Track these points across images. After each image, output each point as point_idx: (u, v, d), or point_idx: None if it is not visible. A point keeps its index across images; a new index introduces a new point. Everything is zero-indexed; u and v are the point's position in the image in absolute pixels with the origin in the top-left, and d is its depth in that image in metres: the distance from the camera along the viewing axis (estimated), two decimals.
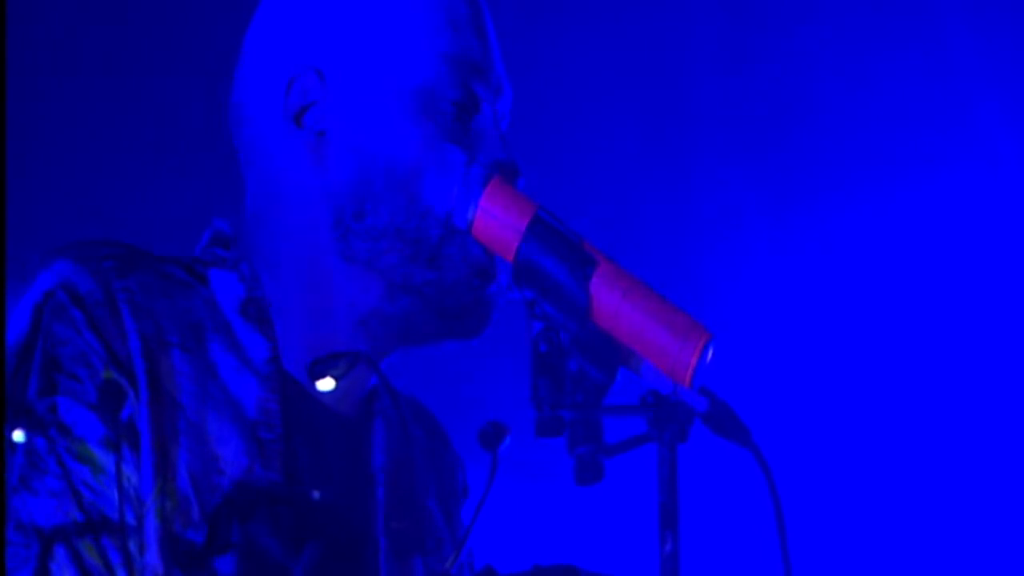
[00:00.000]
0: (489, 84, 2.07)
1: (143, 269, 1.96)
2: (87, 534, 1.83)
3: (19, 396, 1.87)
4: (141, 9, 3.88)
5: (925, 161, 4.24)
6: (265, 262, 2.06)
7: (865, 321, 4.34)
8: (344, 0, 2.07)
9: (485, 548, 2.19)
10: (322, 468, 2.02)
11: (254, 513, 1.91)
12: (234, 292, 2.02)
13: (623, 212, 4.22)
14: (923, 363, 4.34)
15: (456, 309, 2.03)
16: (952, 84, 4.19)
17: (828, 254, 4.31)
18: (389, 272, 2.02)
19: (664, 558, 1.64)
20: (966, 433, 4.35)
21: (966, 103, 4.19)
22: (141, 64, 3.88)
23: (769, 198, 4.29)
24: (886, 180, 4.27)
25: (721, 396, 1.78)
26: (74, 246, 1.96)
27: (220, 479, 1.91)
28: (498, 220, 1.90)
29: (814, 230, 4.30)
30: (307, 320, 2.04)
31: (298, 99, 2.05)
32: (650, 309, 1.78)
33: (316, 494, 1.98)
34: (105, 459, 1.86)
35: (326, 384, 1.97)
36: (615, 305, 1.78)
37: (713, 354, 1.77)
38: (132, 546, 1.84)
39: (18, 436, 1.84)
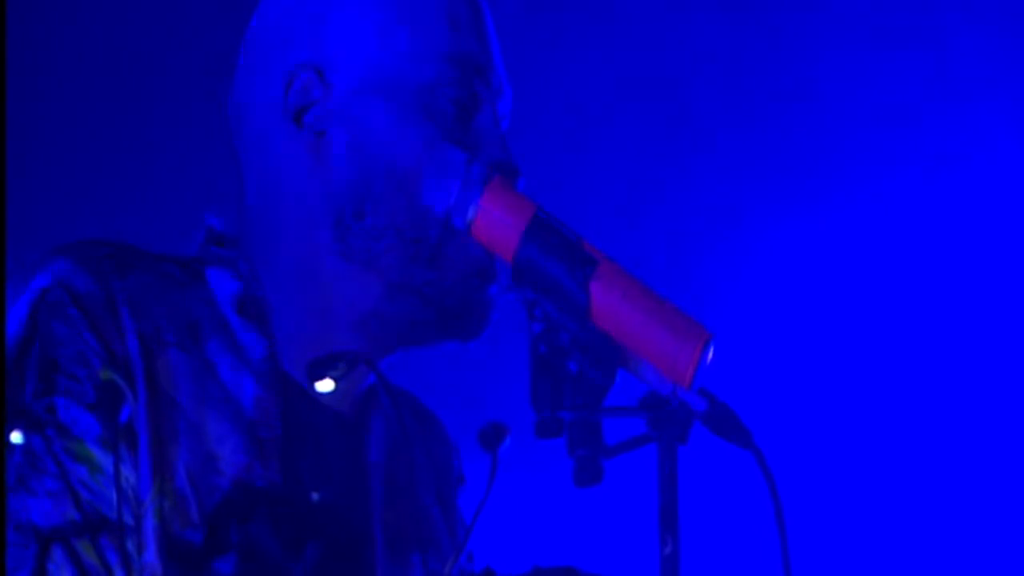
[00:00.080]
0: (489, 84, 2.07)
1: (142, 268, 1.96)
2: (85, 534, 1.83)
3: (17, 396, 1.86)
4: (141, 9, 3.87)
5: (926, 160, 4.24)
6: (264, 261, 2.05)
7: (866, 321, 4.33)
8: (345, 0, 2.07)
9: (485, 549, 2.19)
10: (321, 467, 2.01)
11: (254, 513, 1.91)
12: (232, 291, 2.02)
13: (623, 212, 4.22)
14: (925, 363, 4.34)
15: (456, 309, 2.02)
16: (952, 83, 4.18)
17: (829, 254, 4.31)
18: (388, 272, 2.02)
19: (664, 560, 1.64)
20: (969, 435, 4.35)
21: (967, 102, 4.19)
22: (141, 64, 3.88)
23: (769, 198, 4.29)
24: (887, 180, 4.27)
25: (721, 397, 1.77)
26: (72, 245, 1.95)
27: (219, 478, 1.90)
28: (498, 220, 1.90)
29: (815, 230, 4.29)
30: (306, 319, 2.04)
31: (298, 99, 2.05)
32: (650, 309, 1.77)
33: (316, 495, 1.98)
34: (103, 459, 1.85)
35: (325, 385, 1.97)
36: (615, 305, 1.77)
37: (713, 355, 1.76)
38: (130, 546, 1.84)
39: (16, 437, 1.84)
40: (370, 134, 2.03)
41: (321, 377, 1.97)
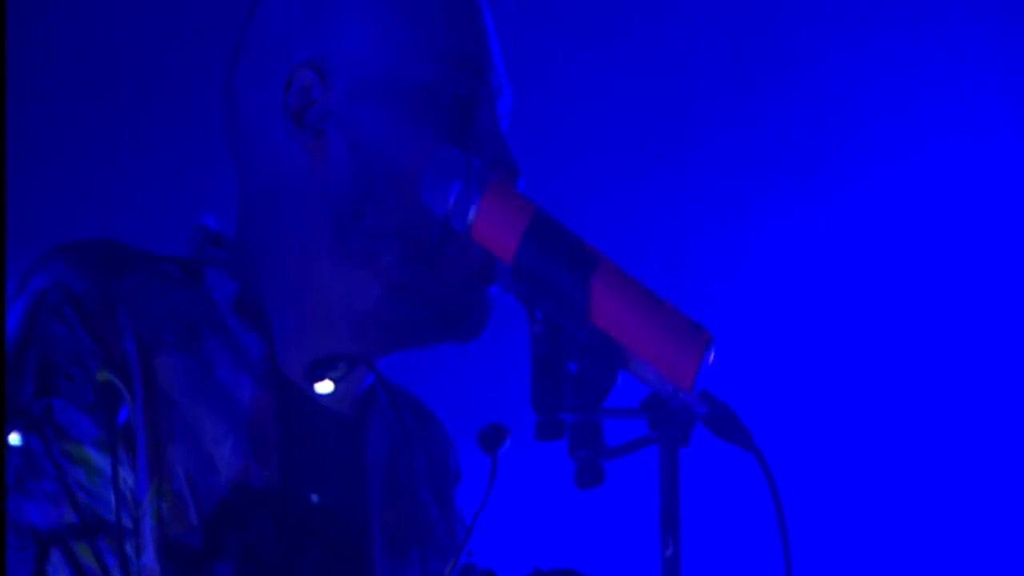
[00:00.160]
0: (489, 84, 2.06)
1: (139, 269, 1.95)
2: (83, 536, 1.82)
3: (15, 397, 1.86)
4: (140, 9, 3.87)
5: (928, 158, 4.24)
6: (263, 261, 2.05)
7: (867, 322, 4.33)
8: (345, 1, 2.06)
9: (485, 551, 2.18)
10: (319, 467, 2.01)
11: (253, 515, 1.90)
12: (230, 291, 2.02)
13: (623, 212, 4.22)
14: (927, 362, 4.33)
15: (455, 310, 2.02)
16: (954, 81, 4.18)
17: (830, 253, 4.30)
18: (388, 272, 2.01)
19: (665, 562, 1.63)
20: (970, 434, 4.34)
21: (969, 100, 4.19)
22: (139, 64, 3.88)
23: (770, 197, 4.28)
24: (888, 178, 4.26)
25: (722, 398, 1.77)
26: (71, 246, 1.95)
27: (217, 479, 1.90)
28: (498, 221, 1.89)
29: (815, 229, 4.29)
30: (304, 319, 2.03)
31: (298, 98, 2.04)
32: (651, 310, 1.76)
33: (315, 496, 1.98)
34: (101, 461, 1.85)
35: (325, 387, 1.97)
36: (615, 306, 1.76)
37: (715, 356, 1.76)
38: (128, 548, 1.84)
39: (14, 439, 1.83)
40: (370, 134, 2.02)
41: (321, 378, 1.97)
